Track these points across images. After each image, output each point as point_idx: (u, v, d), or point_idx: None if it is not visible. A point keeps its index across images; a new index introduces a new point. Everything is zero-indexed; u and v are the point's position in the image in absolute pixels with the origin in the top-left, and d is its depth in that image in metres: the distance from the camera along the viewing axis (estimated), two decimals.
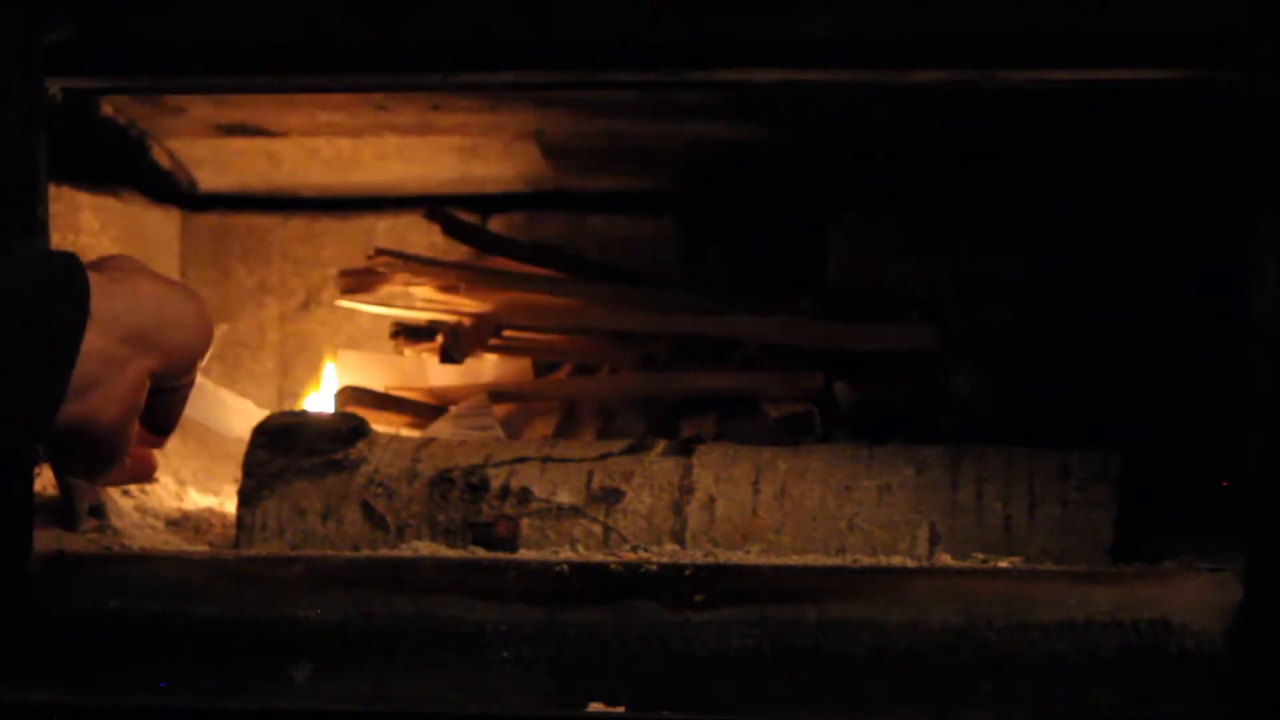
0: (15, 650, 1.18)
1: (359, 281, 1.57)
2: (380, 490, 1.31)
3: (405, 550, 1.26)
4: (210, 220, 1.74)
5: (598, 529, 1.28)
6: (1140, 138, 1.48)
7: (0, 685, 1.17)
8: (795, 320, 1.49)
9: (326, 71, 1.21)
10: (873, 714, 1.13)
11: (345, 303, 1.58)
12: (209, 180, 1.71)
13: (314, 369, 1.63)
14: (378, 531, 1.30)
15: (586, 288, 1.56)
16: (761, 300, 1.53)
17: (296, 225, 1.73)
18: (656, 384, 1.52)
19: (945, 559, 1.22)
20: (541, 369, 1.59)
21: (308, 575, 1.19)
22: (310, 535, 1.31)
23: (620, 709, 1.14)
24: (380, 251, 1.56)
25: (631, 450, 1.31)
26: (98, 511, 1.37)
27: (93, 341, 0.98)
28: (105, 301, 0.99)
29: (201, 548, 1.35)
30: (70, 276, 0.98)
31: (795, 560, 1.22)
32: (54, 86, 1.19)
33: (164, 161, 1.67)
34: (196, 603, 1.18)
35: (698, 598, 1.15)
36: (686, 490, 1.28)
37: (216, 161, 1.68)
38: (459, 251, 1.62)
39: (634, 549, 1.25)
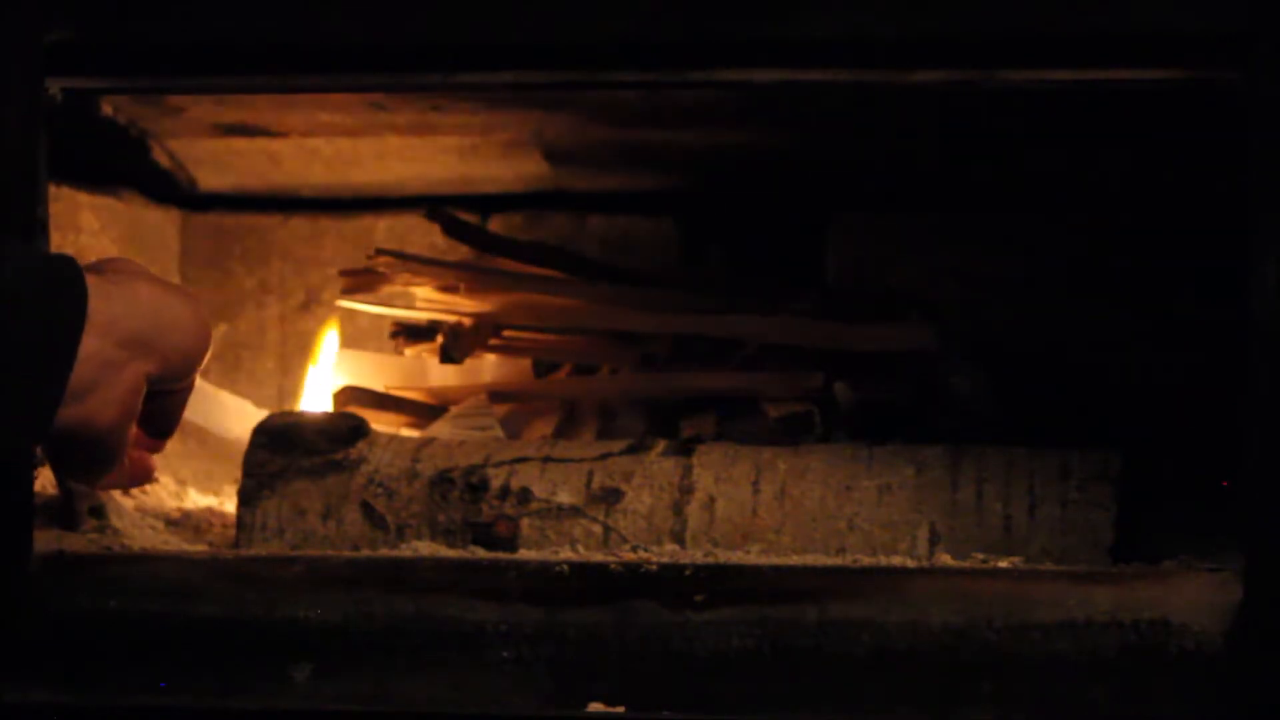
0: (15, 650, 1.18)
1: (359, 281, 1.57)
2: (380, 490, 1.31)
3: (405, 550, 1.26)
4: (210, 220, 1.74)
5: (598, 529, 1.28)
6: (1140, 138, 1.48)
7: (0, 685, 1.17)
8: (795, 320, 1.49)
9: (326, 71, 1.21)
10: (873, 714, 1.13)
11: (345, 303, 1.58)
12: (209, 180, 1.71)
13: (314, 369, 1.63)
14: (378, 531, 1.30)
15: (586, 288, 1.56)
16: (761, 300, 1.53)
17: (296, 225, 1.73)
18: (656, 384, 1.52)
19: (945, 559, 1.22)
20: (541, 369, 1.59)
21: (308, 575, 1.19)
22: (310, 535, 1.31)
23: (620, 709, 1.14)
24: (380, 251, 1.56)
25: (631, 450, 1.31)
26: (98, 512, 1.37)
27: (90, 345, 0.98)
28: (103, 304, 0.99)
29: (201, 548, 1.35)
30: (68, 279, 0.98)
31: (795, 560, 1.22)
32: (54, 86, 1.19)
33: (164, 161, 1.67)
34: (196, 603, 1.18)
35: (698, 598, 1.15)
36: (686, 490, 1.28)
37: (216, 161, 1.68)
38: (459, 251, 1.62)
39: (634, 549, 1.25)
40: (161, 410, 1.05)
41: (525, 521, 1.29)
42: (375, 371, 1.62)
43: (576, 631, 1.15)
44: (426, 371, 1.61)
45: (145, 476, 1.11)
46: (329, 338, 1.61)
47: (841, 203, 1.63)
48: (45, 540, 1.26)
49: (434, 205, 1.61)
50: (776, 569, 1.18)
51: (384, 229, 1.71)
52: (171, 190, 1.70)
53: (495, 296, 1.56)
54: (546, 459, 1.31)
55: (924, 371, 1.47)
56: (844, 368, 1.46)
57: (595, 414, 1.55)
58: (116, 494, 1.42)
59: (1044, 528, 1.24)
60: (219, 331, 1.67)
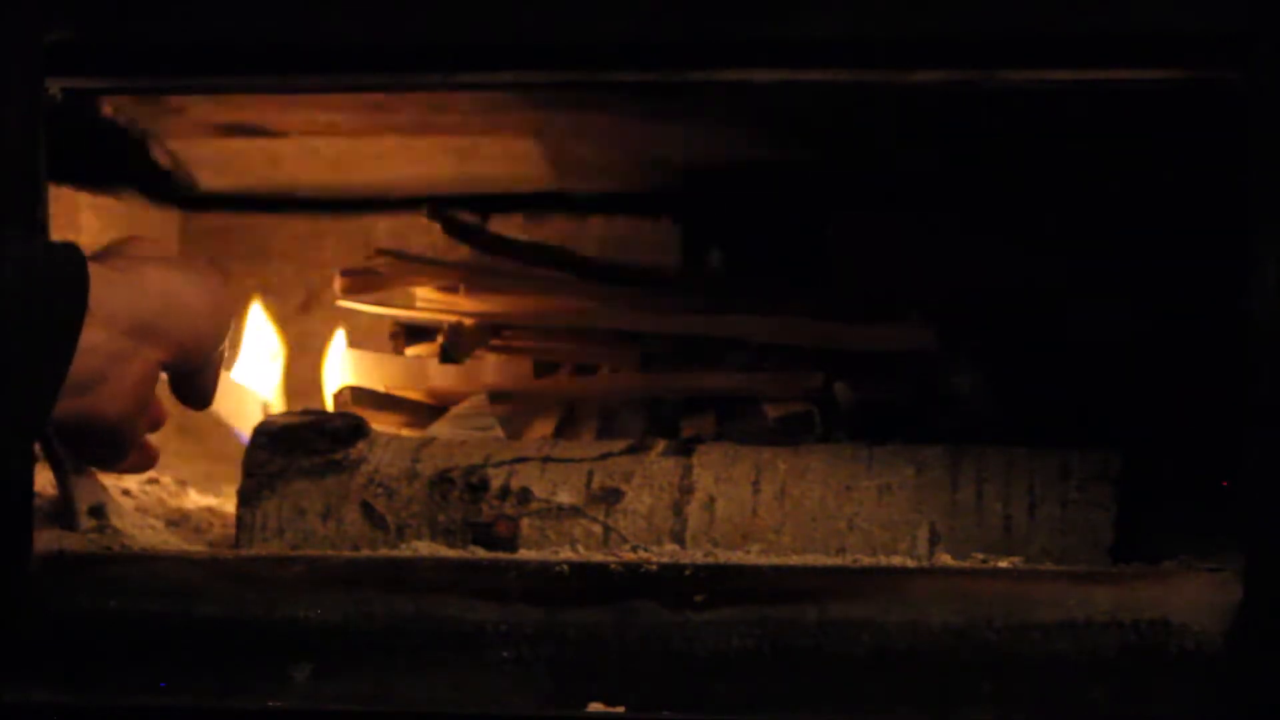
0: (15, 650, 1.18)
1: (359, 282, 1.57)
2: (380, 490, 1.31)
3: (405, 550, 1.26)
4: (210, 220, 1.74)
5: (598, 529, 1.28)
6: (1140, 138, 1.48)
7: (0, 685, 1.17)
8: (795, 320, 1.49)
9: (326, 71, 1.21)
10: (873, 714, 1.13)
11: (345, 303, 1.58)
12: (209, 180, 1.71)
13: (314, 369, 1.63)
14: (378, 531, 1.30)
15: (586, 288, 1.56)
16: (761, 300, 1.53)
17: (296, 225, 1.73)
18: (656, 384, 1.52)
19: (945, 559, 1.22)
20: (541, 369, 1.59)
21: (308, 575, 1.19)
22: (310, 535, 1.31)
23: (620, 709, 1.14)
24: (380, 251, 1.56)
25: (631, 450, 1.31)
26: (98, 511, 1.37)
27: (93, 336, 0.96)
28: (107, 293, 0.97)
29: (201, 548, 1.35)
30: (69, 270, 0.96)
31: (795, 560, 1.22)
32: (54, 86, 1.19)
33: (164, 161, 1.67)
34: (196, 603, 1.18)
35: (698, 598, 1.15)
36: (686, 490, 1.28)
37: (216, 161, 1.68)
38: (459, 251, 1.62)
39: (634, 549, 1.25)
40: (191, 386, 1.04)
41: (525, 521, 1.29)
42: (375, 371, 1.62)
43: (576, 631, 1.15)
44: (426, 371, 1.61)
45: (149, 463, 1.10)
46: (337, 337, 1.61)
47: (841, 203, 1.63)
48: (45, 540, 1.26)
49: (434, 205, 1.61)
50: (776, 569, 1.18)
51: (384, 229, 1.71)
52: (171, 190, 1.70)
53: (495, 296, 1.56)
54: (546, 459, 1.31)
55: (924, 371, 1.47)
56: (844, 368, 1.46)
57: (595, 414, 1.55)
58: (116, 494, 1.42)
59: (1044, 528, 1.24)
60: None
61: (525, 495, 1.29)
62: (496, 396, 1.55)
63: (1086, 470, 1.26)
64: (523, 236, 1.65)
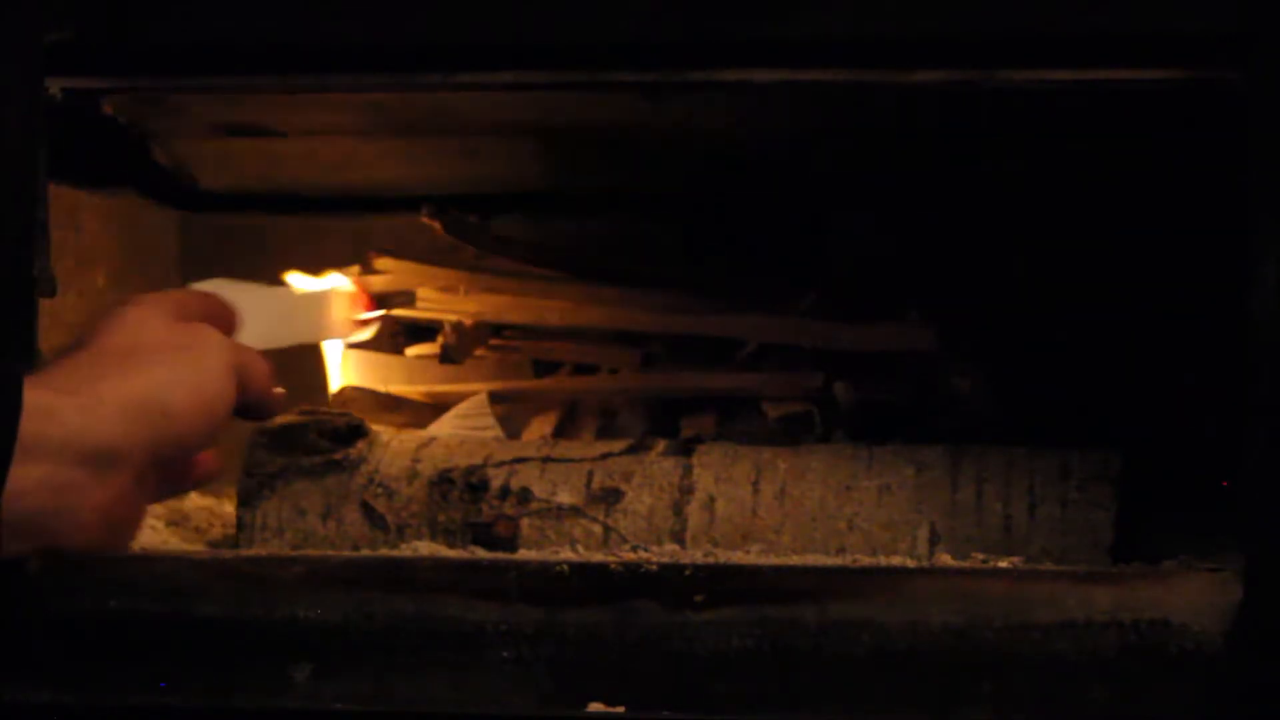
0: (15, 650, 1.18)
1: (359, 282, 1.57)
2: (380, 490, 1.31)
3: (405, 550, 1.26)
4: (210, 220, 1.74)
5: (598, 529, 1.28)
6: (1141, 137, 1.48)
7: (0, 685, 1.17)
8: (795, 320, 1.49)
9: (326, 71, 1.21)
10: (873, 714, 1.13)
11: None
12: (209, 180, 1.71)
13: (314, 369, 1.63)
14: (378, 531, 1.30)
15: (586, 288, 1.56)
16: (761, 300, 1.53)
17: (296, 225, 1.73)
18: (656, 384, 1.52)
19: (945, 559, 1.22)
20: (541, 369, 1.59)
21: (308, 575, 1.19)
22: (310, 535, 1.31)
23: (620, 709, 1.14)
24: (380, 252, 1.56)
25: (631, 450, 1.31)
26: None
27: (32, 473, 0.88)
28: (48, 427, 0.88)
29: (201, 548, 1.34)
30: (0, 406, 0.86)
31: (795, 560, 1.22)
32: (54, 86, 1.19)
33: (164, 161, 1.67)
34: (196, 603, 1.18)
35: (698, 598, 1.15)
36: (686, 490, 1.28)
37: (216, 161, 1.68)
38: (459, 252, 1.62)
39: (634, 549, 1.25)
40: (187, 465, 0.98)
41: (525, 521, 1.29)
42: (375, 371, 1.62)
43: (576, 631, 1.15)
44: (426, 371, 1.61)
45: (210, 475, 1.06)
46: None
47: (842, 202, 1.63)
48: None
49: (434, 205, 1.61)
50: (776, 569, 1.18)
51: (384, 229, 1.71)
52: (171, 190, 1.70)
53: (495, 297, 1.56)
54: (546, 459, 1.31)
55: (924, 371, 1.47)
56: (844, 368, 1.46)
57: (595, 414, 1.55)
58: None
59: (1044, 528, 1.24)
60: None
61: (525, 495, 1.29)
62: (496, 396, 1.55)
63: (1086, 470, 1.26)
64: (522, 236, 1.65)
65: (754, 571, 1.18)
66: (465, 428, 1.50)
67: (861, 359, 1.47)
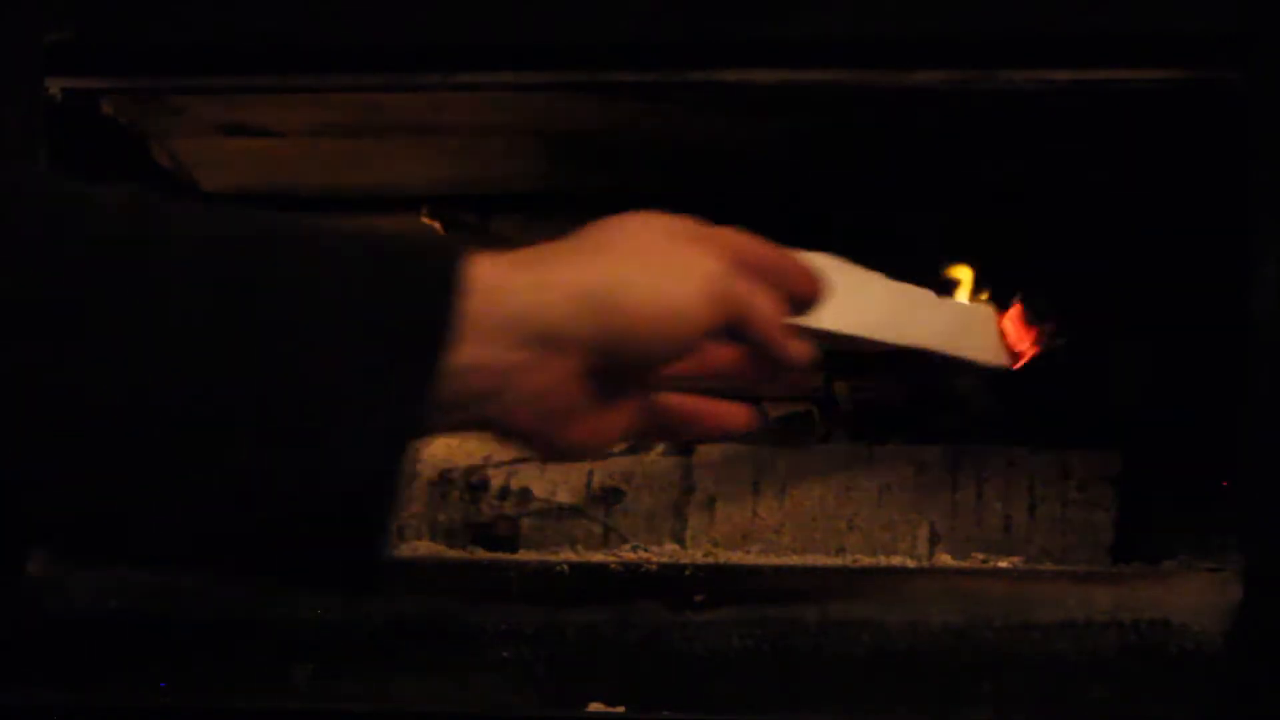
0: (15, 650, 1.18)
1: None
2: None
3: (405, 550, 1.26)
4: None
5: (598, 529, 1.28)
6: (1140, 137, 1.48)
7: (0, 685, 1.17)
8: None
9: (326, 71, 1.21)
10: (873, 714, 1.13)
11: None
12: (209, 180, 1.71)
13: None
14: None
15: None
16: None
17: None
18: None
19: (945, 559, 1.22)
20: None
21: None
22: None
23: (620, 709, 1.14)
24: None
25: (631, 450, 1.31)
26: None
27: (476, 353, 0.85)
28: (495, 306, 0.86)
29: None
30: (440, 282, 0.84)
31: (795, 560, 1.22)
32: (54, 86, 1.19)
33: (164, 161, 1.66)
34: (196, 603, 1.18)
35: (698, 598, 1.15)
36: (686, 490, 1.28)
37: (216, 161, 1.68)
38: None
39: (634, 549, 1.25)
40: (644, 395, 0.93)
41: (525, 521, 1.29)
42: None
43: (576, 631, 1.15)
44: None
45: (735, 422, 0.99)
46: None
47: (842, 202, 1.63)
48: None
49: (434, 205, 1.61)
50: (776, 569, 1.18)
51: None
52: (171, 190, 1.70)
53: None
54: None
55: (924, 371, 1.46)
56: (844, 368, 1.46)
57: None
58: None
59: (1044, 528, 1.24)
60: None
61: (525, 495, 1.29)
62: None
63: (1086, 470, 1.26)
64: (523, 236, 1.65)
65: (754, 571, 1.18)
66: None
67: (862, 359, 1.47)
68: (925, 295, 1.19)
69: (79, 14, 1.17)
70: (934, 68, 1.17)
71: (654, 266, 0.93)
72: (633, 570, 1.17)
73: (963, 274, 1.33)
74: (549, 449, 0.91)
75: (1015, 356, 1.23)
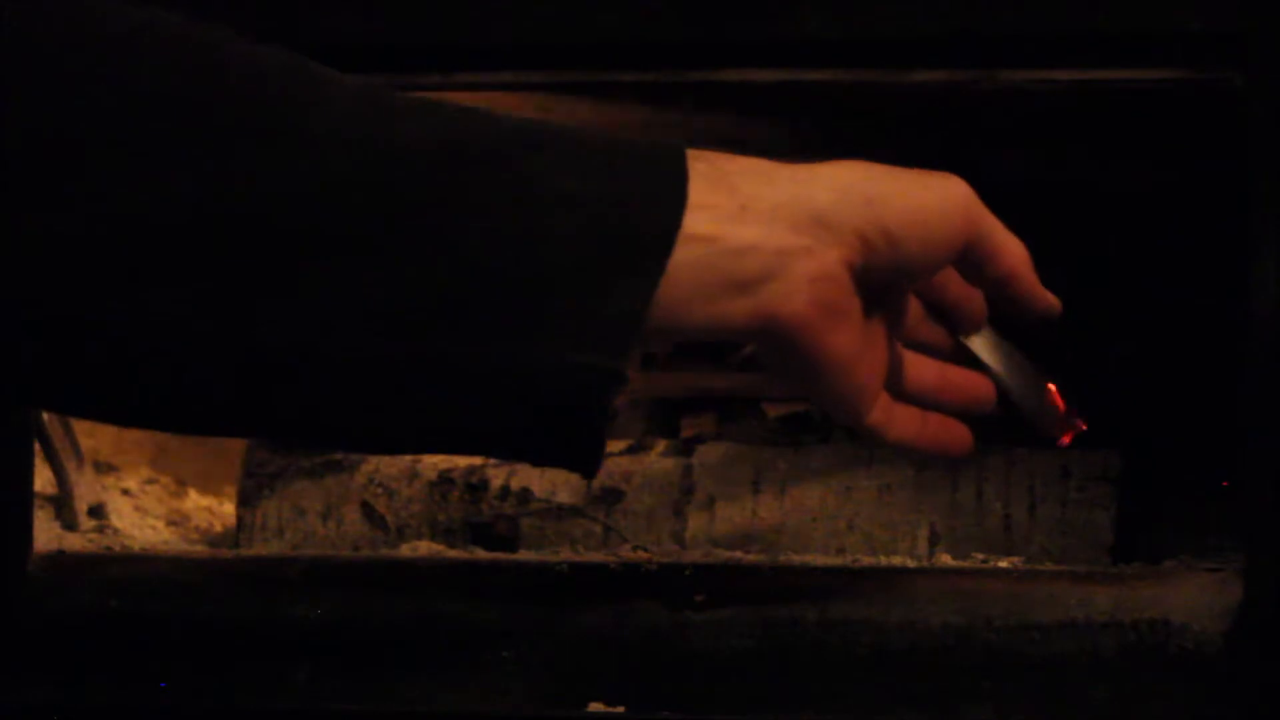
0: (14, 650, 1.18)
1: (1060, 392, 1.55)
2: (380, 490, 1.31)
3: (405, 550, 1.26)
4: None
5: (598, 529, 1.28)
6: (1140, 137, 1.48)
7: (0, 685, 1.17)
8: None
9: None
10: (873, 714, 1.13)
11: None
12: None
13: None
14: (378, 531, 1.30)
15: None
16: None
17: None
18: (656, 384, 1.52)
19: (945, 559, 1.22)
20: None
21: (308, 575, 1.19)
22: (310, 535, 1.31)
23: (620, 709, 1.14)
24: None
25: (631, 450, 1.31)
26: (98, 511, 1.37)
27: (752, 231, 0.87)
28: (765, 188, 0.88)
29: (201, 548, 1.35)
30: (668, 177, 0.86)
31: (795, 560, 1.22)
32: None
33: None
34: (196, 603, 1.18)
35: (698, 598, 1.15)
36: (686, 490, 1.28)
37: None
38: None
39: (634, 549, 1.25)
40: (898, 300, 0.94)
41: (525, 521, 1.29)
42: None
43: (576, 631, 1.15)
44: None
45: (954, 445, 1.00)
46: None
47: None
48: (45, 540, 1.26)
49: None
50: (776, 569, 1.18)
51: None
52: None
53: None
54: None
55: None
56: None
57: None
58: (116, 494, 1.42)
59: (1044, 528, 1.24)
60: None
61: (525, 495, 1.29)
62: None
63: (1086, 470, 1.26)
64: None
65: (754, 571, 1.18)
66: None
67: None
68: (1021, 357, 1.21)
69: None
70: (934, 68, 1.17)
71: (905, 177, 0.93)
72: (633, 570, 1.17)
73: None
74: (822, 352, 0.90)
75: (1061, 429, 1.25)
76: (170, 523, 1.42)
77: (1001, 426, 1.36)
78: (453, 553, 1.26)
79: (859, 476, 1.28)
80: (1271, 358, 1.10)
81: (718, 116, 1.50)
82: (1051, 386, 1.18)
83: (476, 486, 1.30)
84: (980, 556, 1.22)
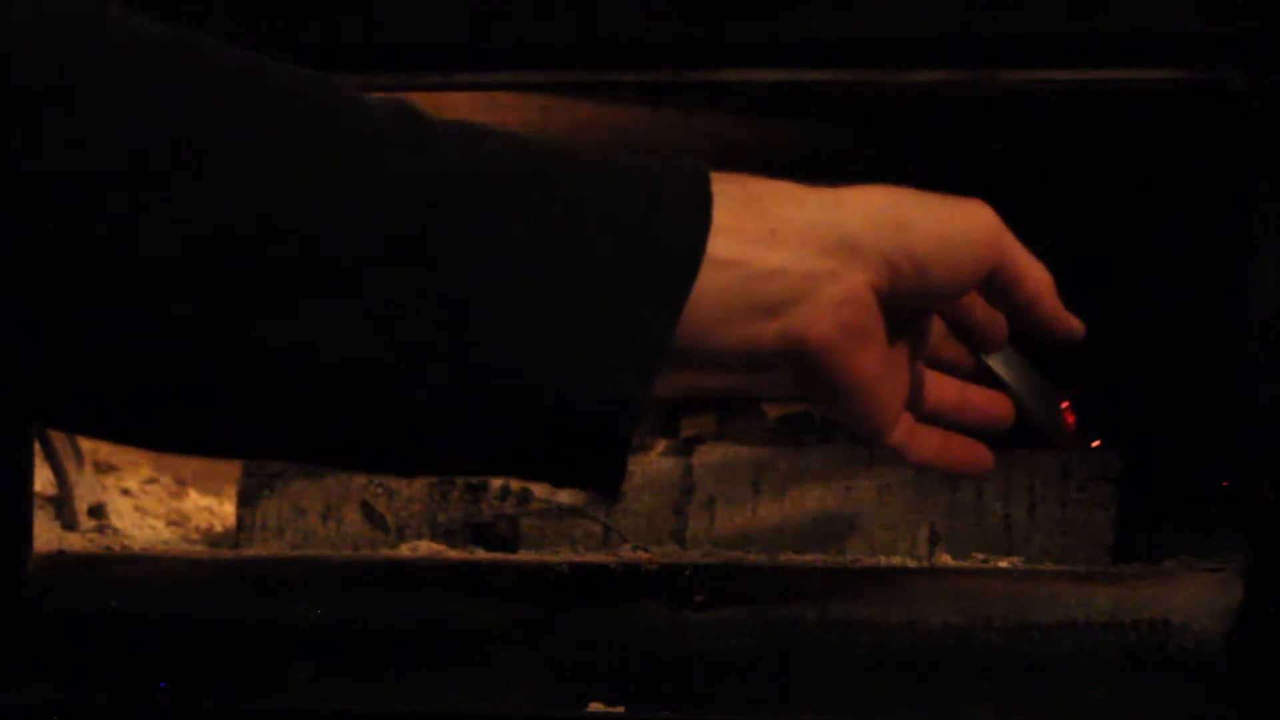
0: (14, 650, 1.18)
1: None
2: (380, 490, 1.31)
3: (405, 550, 1.26)
4: None
5: (598, 529, 1.28)
6: (1140, 137, 1.48)
7: (0, 685, 1.17)
8: None
9: (325, 72, 1.20)
10: (873, 714, 1.13)
11: None
12: None
13: None
14: (378, 531, 1.30)
15: None
16: None
17: None
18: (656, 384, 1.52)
19: (945, 559, 1.22)
20: None
21: (308, 575, 1.19)
22: (310, 535, 1.31)
23: (620, 709, 1.14)
24: None
25: (631, 450, 1.31)
26: (98, 511, 1.37)
27: (780, 255, 0.87)
28: (794, 210, 0.88)
29: (201, 548, 1.35)
30: (692, 201, 0.86)
31: (795, 560, 1.22)
32: None
33: None
34: (196, 603, 1.18)
35: (698, 598, 1.15)
36: (686, 490, 1.28)
37: None
38: None
39: (634, 549, 1.25)
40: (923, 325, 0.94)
41: (525, 521, 1.29)
42: None
43: (576, 631, 1.15)
44: None
45: (974, 465, 1.01)
46: None
47: None
48: (45, 540, 1.26)
49: None
50: (776, 569, 1.18)
51: None
52: None
53: None
54: None
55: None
56: None
57: None
58: (116, 494, 1.42)
59: (1044, 528, 1.24)
60: None
61: (525, 495, 1.29)
62: None
63: (1086, 470, 1.26)
64: None
65: (754, 571, 1.18)
66: None
67: None
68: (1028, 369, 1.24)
69: None
70: (934, 68, 1.17)
71: (933, 202, 0.93)
72: (633, 570, 1.17)
73: None
74: (847, 374, 0.91)
75: (1072, 442, 1.26)
76: (170, 523, 1.42)
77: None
78: (453, 553, 1.26)
79: (859, 476, 1.28)
80: (1271, 358, 1.10)
81: (718, 116, 1.50)
82: (1065, 403, 1.19)
83: (476, 486, 1.30)
84: (980, 556, 1.22)
